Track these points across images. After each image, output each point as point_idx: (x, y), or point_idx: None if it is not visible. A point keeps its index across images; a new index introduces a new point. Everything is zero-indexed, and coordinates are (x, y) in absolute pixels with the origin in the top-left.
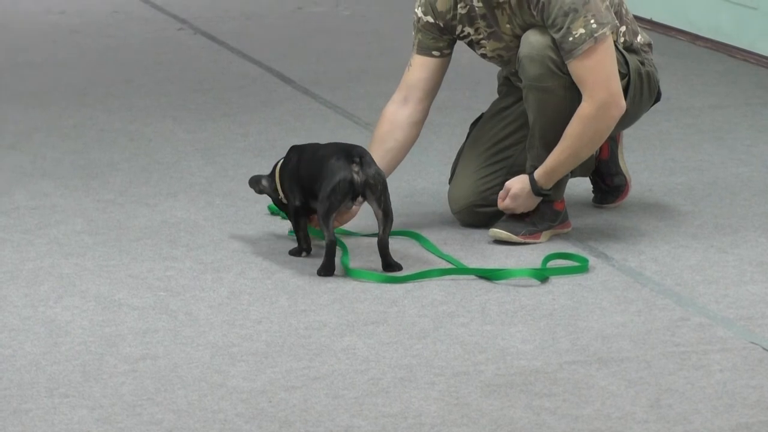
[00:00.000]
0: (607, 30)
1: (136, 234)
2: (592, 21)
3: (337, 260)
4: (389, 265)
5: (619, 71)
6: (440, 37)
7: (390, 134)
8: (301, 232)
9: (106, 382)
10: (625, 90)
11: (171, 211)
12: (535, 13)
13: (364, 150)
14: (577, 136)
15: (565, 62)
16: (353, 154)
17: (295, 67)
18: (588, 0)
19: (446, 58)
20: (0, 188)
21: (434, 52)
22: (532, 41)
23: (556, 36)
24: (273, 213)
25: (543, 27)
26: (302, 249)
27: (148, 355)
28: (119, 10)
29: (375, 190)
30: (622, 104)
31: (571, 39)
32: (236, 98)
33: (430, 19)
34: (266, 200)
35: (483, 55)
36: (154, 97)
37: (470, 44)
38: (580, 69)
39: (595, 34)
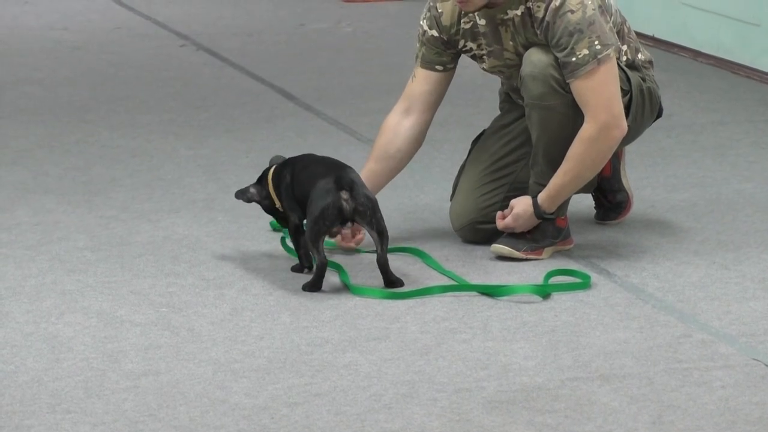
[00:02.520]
0: (610, 51)
1: (138, 250)
2: (596, 42)
3: (337, 278)
4: (391, 282)
5: (621, 88)
6: (444, 52)
7: (391, 145)
8: (301, 250)
9: (108, 398)
10: (627, 107)
11: (173, 227)
12: (538, 32)
13: (354, 175)
14: (580, 158)
15: (567, 82)
16: (343, 183)
17: (298, 84)
18: (593, 21)
19: (450, 72)
20: (2, 204)
21: (437, 67)
22: (534, 60)
23: (560, 55)
24: (275, 229)
25: (545, 45)
26: (303, 266)
27: (150, 371)
28: (121, 26)
29: (365, 215)
30: (624, 126)
31: (574, 59)
32: (238, 114)
33: (435, 33)
34: (268, 217)
35: (484, 69)
36: (156, 113)
37: (473, 57)
38: (582, 90)
39: (599, 56)
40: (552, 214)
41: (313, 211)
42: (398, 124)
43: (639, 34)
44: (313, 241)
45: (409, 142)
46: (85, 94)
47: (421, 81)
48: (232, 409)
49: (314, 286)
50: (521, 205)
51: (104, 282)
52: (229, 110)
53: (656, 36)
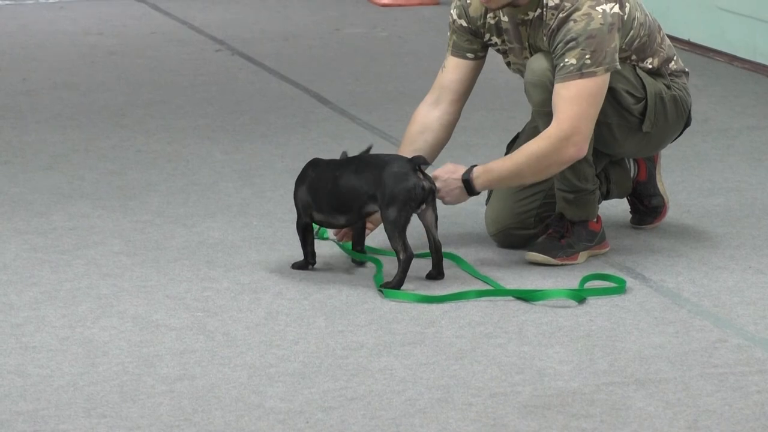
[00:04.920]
0: (599, 70)
1: (173, 254)
2: (587, 56)
3: (371, 283)
4: (440, 272)
5: (633, 95)
6: (474, 40)
7: (420, 135)
8: (309, 248)
9: (143, 402)
10: (642, 113)
11: (208, 231)
12: (545, 38)
13: (422, 157)
14: (528, 152)
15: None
16: (416, 161)
17: (333, 88)
18: (593, 35)
19: (480, 60)
20: (38, 209)
21: (468, 54)
22: (534, 67)
23: (555, 61)
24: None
25: (548, 53)
26: (308, 263)
27: (185, 375)
28: (157, 30)
29: (435, 197)
30: (584, 150)
31: (561, 65)
32: (274, 119)
33: (463, 23)
34: None
35: (508, 64)
36: (192, 118)
37: (498, 51)
38: (557, 95)
39: (583, 70)
40: (474, 190)
41: (397, 195)
42: (427, 114)
43: (674, 39)
44: (401, 230)
45: (438, 133)
46: (120, 99)
47: (451, 70)
48: (267, 413)
49: (399, 284)
50: (458, 166)
51: (139, 286)
52: (264, 115)
53: (692, 40)
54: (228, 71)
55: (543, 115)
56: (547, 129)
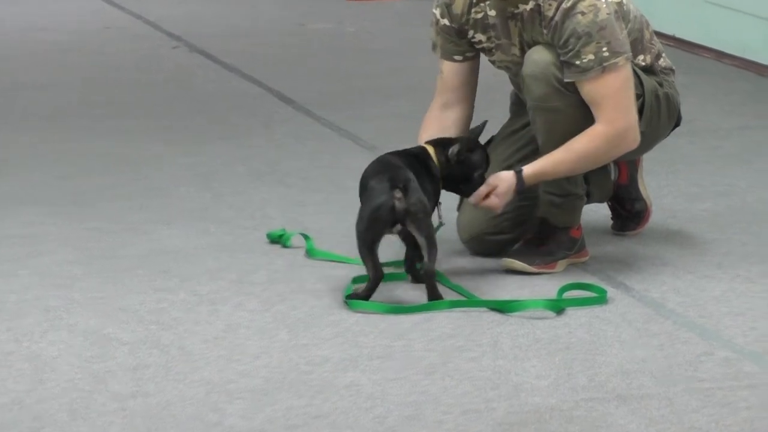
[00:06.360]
0: (620, 60)
1: (127, 264)
2: (604, 49)
3: (339, 293)
4: (435, 297)
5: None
6: (459, 41)
7: (441, 132)
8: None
9: (94, 421)
10: (640, 111)
11: (165, 239)
12: (545, 32)
13: (410, 175)
14: (582, 153)
15: (567, 81)
16: (397, 180)
17: (297, 87)
18: (604, 26)
19: (473, 60)
20: None
21: (457, 57)
22: (536, 59)
23: (565, 57)
24: (272, 241)
25: (549, 45)
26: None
27: (139, 392)
28: (111, 26)
29: (415, 219)
30: (638, 138)
31: (578, 62)
32: (234, 120)
33: (447, 22)
34: (265, 228)
35: (492, 62)
36: (148, 119)
37: (482, 50)
38: (594, 94)
39: (604, 63)
40: (528, 190)
41: (363, 212)
42: (441, 117)
43: (659, 35)
44: (368, 247)
45: (458, 129)
46: (73, 99)
47: (450, 75)
48: None
49: (366, 297)
50: (505, 182)
51: (91, 298)
52: (224, 115)
53: (678, 36)
54: (186, 69)
55: (544, 110)
56: (596, 128)
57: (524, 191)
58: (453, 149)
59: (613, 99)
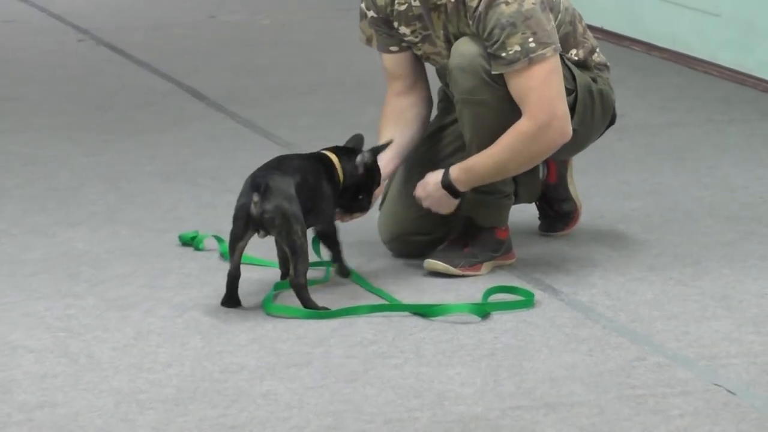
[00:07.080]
0: (547, 51)
1: (31, 268)
2: (530, 39)
3: (256, 297)
4: (310, 308)
5: (565, 87)
6: (391, 32)
7: (403, 114)
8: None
9: None
10: (572, 107)
11: (71, 242)
12: (471, 23)
13: (277, 177)
14: (509, 149)
15: (494, 73)
16: (259, 182)
17: (209, 82)
18: (529, 16)
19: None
20: None
21: (393, 48)
22: (463, 51)
23: (491, 49)
24: (184, 244)
25: (476, 36)
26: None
27: (46, 402)
28: (13, 19)
29: (272, 225)
30: (568, 130)
31: (504, 54)
32: (143, 116)
33: (373, 14)
34: (176, 230)
35: (420, 56)
36: (51, 116)
37: (408, 43)
38: (518, 86)
39: (531, 54)
40: (458, 193)
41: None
42: (399, 102)
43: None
44: (231, 244)
45: (421, 108)
46: None
47: (391, 65)
48: None
49: (226, 302)
50: (432, 175)
51: None
52: (133, 112)
53: (606, 28)
54: (92, 63)
55: (471, 104)
56: (520, 123)
57: (451, 186)
58: (365, 156)
59: (538, 91)
